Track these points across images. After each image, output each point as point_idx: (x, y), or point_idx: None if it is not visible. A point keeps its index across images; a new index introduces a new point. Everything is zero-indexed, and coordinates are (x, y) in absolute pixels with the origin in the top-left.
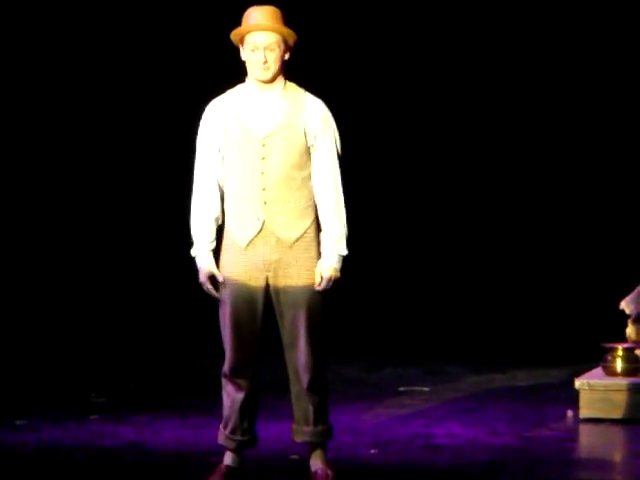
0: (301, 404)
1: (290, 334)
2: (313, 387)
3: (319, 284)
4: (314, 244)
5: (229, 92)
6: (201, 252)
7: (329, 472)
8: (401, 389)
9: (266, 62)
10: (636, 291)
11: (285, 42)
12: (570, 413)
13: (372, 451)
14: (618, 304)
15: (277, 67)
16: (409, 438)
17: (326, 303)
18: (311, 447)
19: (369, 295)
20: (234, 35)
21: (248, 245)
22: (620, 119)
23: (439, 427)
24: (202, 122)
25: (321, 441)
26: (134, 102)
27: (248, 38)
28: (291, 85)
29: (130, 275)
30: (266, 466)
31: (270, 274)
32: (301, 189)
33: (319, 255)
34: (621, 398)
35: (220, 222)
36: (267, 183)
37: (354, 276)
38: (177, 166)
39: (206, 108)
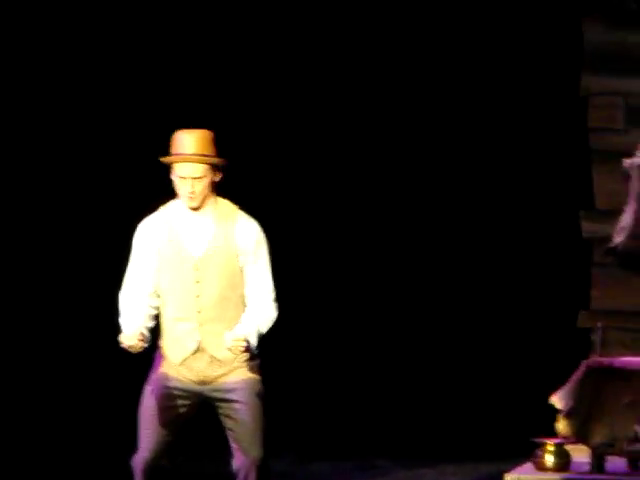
0: None
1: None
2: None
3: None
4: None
5: (162, 210)
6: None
7: None
8: None
9: (193, 192)
10: (568, 386)
11: (214, 168)
12: None
13: None
14: (548, 399)
15: (205, 194)
16: None
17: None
18: None
19: (298, 386)
20: (164, 161)
21: (182, 362)
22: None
23: None
24: (136, 240)
25: None
26: None
27: (176, 167)
28: (223, 203)
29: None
30: None
31: (205, 388)
32: (237, 307)
33: None
34: None
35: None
36: (202, 306)
37: (282, 365)
38: None
39: (139, 226)
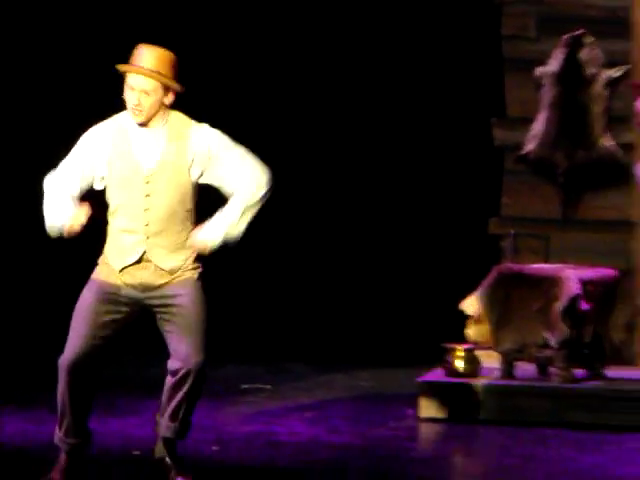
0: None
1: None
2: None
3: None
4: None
5: (113, 120)
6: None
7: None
8: (244, 387)
9: (138, 105)
10: (478, 292)
11: (166, 89)
12: (410, 412)
13: (214, 448)
14: (458, 305)
15: (151, 112)
16: (251, 436)
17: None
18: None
19: (211, 291)
20: (118, 68)
21: (122, 270)
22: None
23: (281, 425)
24: (86, 139)
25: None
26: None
27: (128, 77)
28: (176, 116)
29: None
30: (108, 462)
31: (147, 295)
32: (184, 222)
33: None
34: (461, 398)
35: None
36: (150, 219)
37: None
38: None
39: (90, 130)
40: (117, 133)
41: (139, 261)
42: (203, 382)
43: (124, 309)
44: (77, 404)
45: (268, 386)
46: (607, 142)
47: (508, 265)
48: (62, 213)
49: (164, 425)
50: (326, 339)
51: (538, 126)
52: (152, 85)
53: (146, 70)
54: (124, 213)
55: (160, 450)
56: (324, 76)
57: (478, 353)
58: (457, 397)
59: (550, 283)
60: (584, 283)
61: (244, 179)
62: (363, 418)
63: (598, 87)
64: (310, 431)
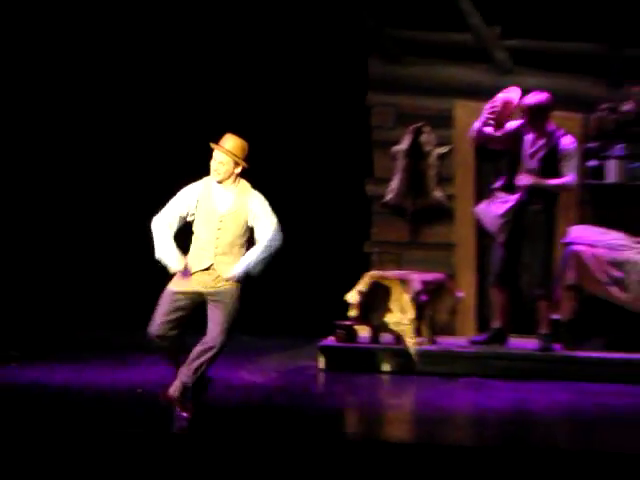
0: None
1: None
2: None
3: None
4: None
5: (202, 181)
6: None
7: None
8: None
9: (217, 170)
10: (356, 288)
11: (236, 164)
12: (313, 365)
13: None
14: (344, 296)
15: (225, 177)
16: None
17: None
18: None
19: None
20: (211, 145)
21: (195, 273)
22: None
23: (231, 375)
24: (185, 190)
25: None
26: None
27: (214, 152)
28: (242, 183)
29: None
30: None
31: (205, 291)
32: (239, 249)
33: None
34: (345, 357)
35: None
36: (219, 244)
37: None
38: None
39: (191, 184)
40: (204, 188)
41: (207, 269)
42: (220, 354)
43: (191, 298)
44: (172, 360)
45: None
46: (438, 194)
47: (375, 271)
48: (169, 252)
49: (185, 373)
50: (259, 317)
51: (394, 183)
52: (227, 159)
53: (225, 150)
54: (203, 238)
55: (175, 390)
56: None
57: (356, 327)
58: (342, 356)
59: (402, 283)
60: (424, 283)
61: (266, 235)
62: (284, 369)
63: (432, 159)
64: (250, 377)
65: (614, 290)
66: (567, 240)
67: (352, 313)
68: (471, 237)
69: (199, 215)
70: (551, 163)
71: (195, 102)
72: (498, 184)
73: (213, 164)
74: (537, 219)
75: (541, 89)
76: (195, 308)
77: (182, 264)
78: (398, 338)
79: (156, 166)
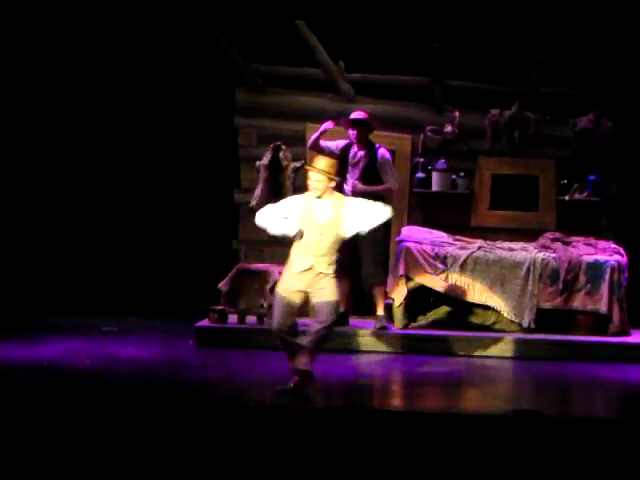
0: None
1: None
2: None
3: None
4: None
5: (305, 194)
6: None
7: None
8: (104, 329)
9: (315, 188)
10: (226, 279)
11: (330, 179)
12: (190, 342)
13: (87, 362)
14: (218, 285)
15: (322, 192)
16: (110, 356)
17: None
18: None
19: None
20: (305, 167)
21: (298, 272)
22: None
23: (123, 349)
24: (290, 199)
25: None
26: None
27: (309, 172)
28: (337, 194)
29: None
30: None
31: (309, 289)
32: (335, 251)
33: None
34: (217, 336)
35: None
36: (319, 247)
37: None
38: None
39: (295, 196)
40: (306, 200)
41: (309, 268)
42: (331, 334)
43: (299, 293)
44: (290, 350)
45: (115, 328)
46: None
47: (242, 264)
48: (283, 226)
49: (308, 345)
50: (147, 302)
51: (257, 192)
52: (321, 178)
53: (319, 170)
54: (305, 243)
55: (306, 364)
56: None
57: (227, 311)
58: (215, 335)
59: (263, 274)
60: (281, 274)
61: (374, 213)
62: (169, 344)
63: (288, 172)
64: (137, 352)
65: (438, 279)
66: (399, 238)
67: (223, 300)
68: None
69: (301, 223)
70: (372, 171)
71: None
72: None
73: (311, 183)
74: None
75: (378, 114)
76: (302, 302)
77: (297, 230)
78: (260, 319)
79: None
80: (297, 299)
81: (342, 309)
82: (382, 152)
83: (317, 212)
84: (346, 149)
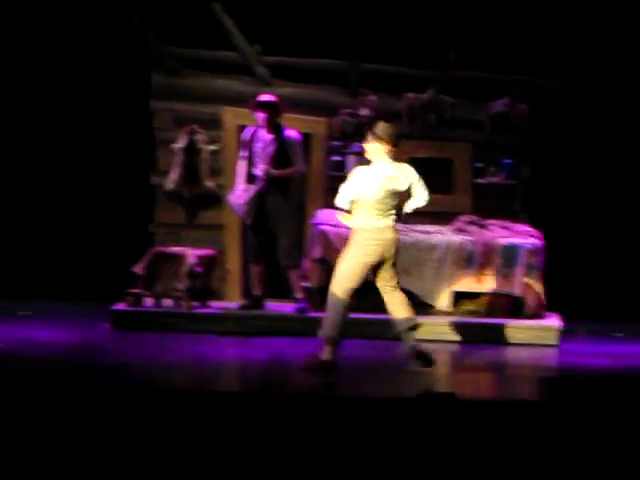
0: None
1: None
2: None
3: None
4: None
5: (373, 165)
6: None
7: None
8: (19, 313)
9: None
10: (142, 261)
11: (387, 144)
12: (107, 325)
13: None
14: (132, 267)
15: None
16: (25, 339)
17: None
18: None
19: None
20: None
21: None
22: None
23: (42, 332)
24: (357, 173)
25: None
26: None
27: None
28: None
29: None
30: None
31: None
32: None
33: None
34: (131, 318)
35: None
36: (384, 208)
37: None
38: None
39: (360, 168)
40: (371, 168)
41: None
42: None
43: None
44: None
45: (30, 312)
46: (209, 183)
47: (158, 248)
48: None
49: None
50: (65, 286)
51: (173, 175)
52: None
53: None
54: (371, 207)
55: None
56: None
57: (144, 294)
58: (131, 318)
59: (180, 257)
60: (198, 257)
61: (417, 195)
62: (85, 328)
63: (204, 155)
64: (52, 335)
65: None
66: (315, 221)
67: (137, 286)
68: (236, 219)
69: (366, 190)
70: (282, 154)
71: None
72: (240, 175)
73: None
74: (277, 203)
75: (294, 97)
76: None
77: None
78: (176, 303)
79: None
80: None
81: (258, 293)
82: (291, 134)
83: (381, 174)
84: (253, 135)
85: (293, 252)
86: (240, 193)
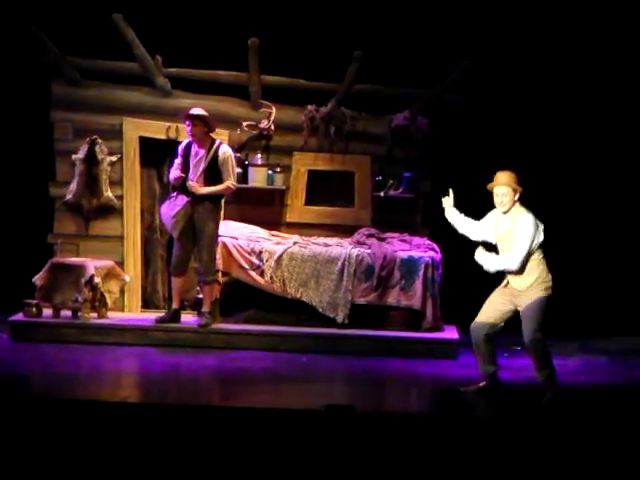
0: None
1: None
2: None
3: None
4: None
5: (494, 211)
6: None
7: None
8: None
9: (501, 202)
10: (42, 273)
11: (514, 191)
12: (5, 337)
13: None
14: (31, 279)
15: (510, 206)
16: None
17: None
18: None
19: None
20: (488, 187)
21: (505, 286)
22: None
23: None
24: (488, 216)
25: None
26: None
27: (494, 189)
28: (516, 207)
29: None
30: None
31: (515, 301)
32: (530, 261)
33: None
34: (35, 329)
35: None
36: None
37: None
38: None
39: (490, 213)
40: (495, 216)
41: (506, 285)
42: (542, 345)
43: (509, 305)
44: (485, 351)
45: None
46: (109, 194)
47: (56, 259)
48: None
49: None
50: None
51: (73, 186)
52: (506, 191)
53: (503, 184)
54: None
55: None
56: None
57: (41, 305)
58: (29, 329)
59: (79, 268)
60: (97, 268)
61: (512, 253)
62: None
63: (105, 165)
64: None
65: (253, 275)
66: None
67: (38, 294)
68: (136, 231)
69: (494, 236)
70: (214, 170)
71: None
72: (173, 187)
73: (496, 199)
74: (203, 217)
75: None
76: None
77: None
78: (75, 313)
79: None
80: (505, 308)
81: (176, 306)
82: (224, 149)
83: (500, 225)
84: (188, 148)
85: (211, 267)
86: (168, 205)
